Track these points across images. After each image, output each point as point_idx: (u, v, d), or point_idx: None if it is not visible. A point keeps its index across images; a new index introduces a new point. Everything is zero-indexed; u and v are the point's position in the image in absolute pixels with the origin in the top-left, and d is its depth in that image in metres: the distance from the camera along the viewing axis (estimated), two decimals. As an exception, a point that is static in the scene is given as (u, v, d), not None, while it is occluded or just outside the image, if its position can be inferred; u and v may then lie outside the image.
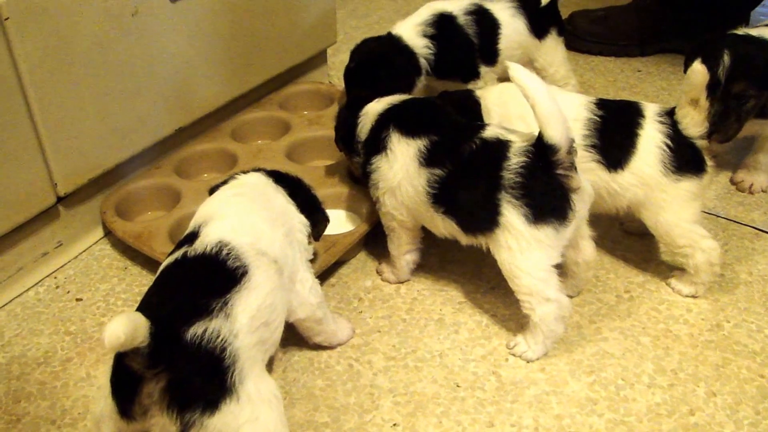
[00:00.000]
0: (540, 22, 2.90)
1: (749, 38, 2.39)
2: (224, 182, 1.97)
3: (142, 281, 2.34)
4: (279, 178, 2.01)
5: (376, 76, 2.66)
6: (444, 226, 2.10)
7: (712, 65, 2.29)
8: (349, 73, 2.73)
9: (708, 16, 3.38)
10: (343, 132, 2.34)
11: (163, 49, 2.47)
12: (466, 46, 2.79)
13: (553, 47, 2.96)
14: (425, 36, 2.74)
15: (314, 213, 2.03)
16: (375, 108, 2.24)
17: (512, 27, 2.85)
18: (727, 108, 2.33)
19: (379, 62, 2.70)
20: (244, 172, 2.00)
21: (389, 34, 2.76)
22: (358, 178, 2.43)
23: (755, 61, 2.34)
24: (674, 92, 3.27)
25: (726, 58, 2.31)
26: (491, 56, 2.84)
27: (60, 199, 2.33)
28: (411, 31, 2.75)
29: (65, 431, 1.91)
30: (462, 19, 2.78)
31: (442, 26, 2.76)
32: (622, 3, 3.64)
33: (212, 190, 1.98)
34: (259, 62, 2.88)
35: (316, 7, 3.06)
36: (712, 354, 2.06)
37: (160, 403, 1.48)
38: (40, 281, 2.36)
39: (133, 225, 2.40)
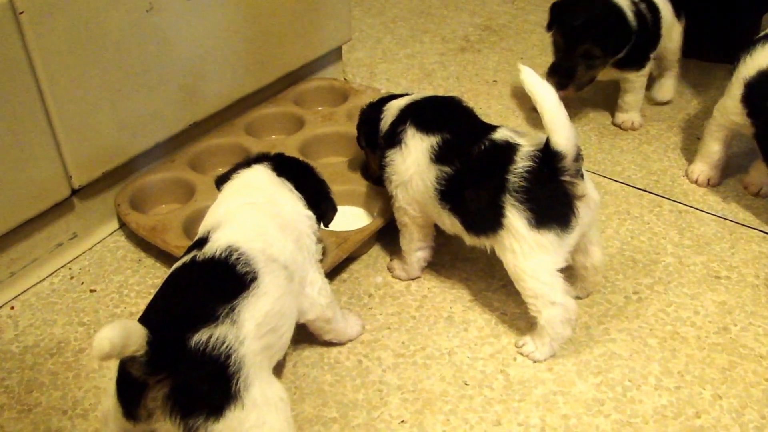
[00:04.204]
0: (677, 3, 3.02)
1: None
2: (228, 176, 1.97)
3: (156, 273, 2.37)
4: (282, 169, 1.99)
5: (608, 32, 2.75)
6: (451, 224, 2.11)
7: None
8: (579, 29, 2.75)
9: (720, 21, 3.38)
10: (366, 128, 2.35)
11: (178, 45, 2.49)
12: (646, 32, 2.87)
13: (679, 31, 3.09)
14: (629, 9, 2.80)
15: (321, 202, 2.02)
16: (397, 104, 2.25)
17: (667, 9, 2.95)
18: None
19: (604, 18, 2.75)
20: (248, 164, 1.99)
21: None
22: (372, 177, 2.45)
23: None
24: (685, 95, 3.27)
25: None
26: (655, 42, 2.93)
27: (75, 192, 2.35)
28: (624, 2, 2.79)
29: (76, 422, 1.93)
30: (642, 6, 2.85)
31: (635, 5, 2.83)
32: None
33: (219, 182, 1.98)
34: (273, 58, 2.89)
35: (332, 4, 3.07)
36: (718, 357, 2.07)
37: (164, 408, 1.48)
38: (54, 272, 2.39)
39: (147, 218, 2.42)
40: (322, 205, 2.02)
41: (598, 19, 2.74)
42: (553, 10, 2.88)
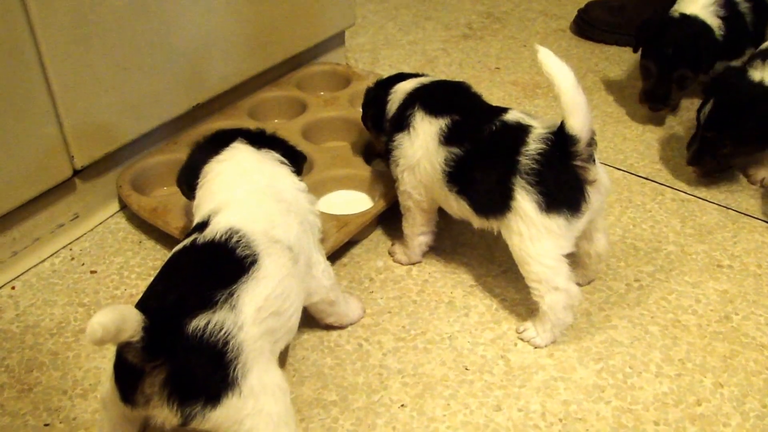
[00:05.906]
0: None
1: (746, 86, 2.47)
2: (209, 149, 1.94)
3: (156, 255, 2.36)
4: (256, 141, 1.96)
5: (699, 54, 2.78)
6: (458, 207, 2.10)
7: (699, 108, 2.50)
8: (671, 56, 2.79)
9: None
10: (373, 111, 2.34)
11: (182, 26, 2.48)
12: (744, 30, 2.87)
13: None
14: (718, 17, 2.82)
15: (295, 157, 2.01)
16: (405, 87, 2.24)
17: None
18: (703, 149, 2.51)
19: (695, 42, 2.78)
20: (223, 141, 1.95)
21: (684, 15, 2.83)
22: (378, 154, 2.45)
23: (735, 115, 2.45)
24: (690, 84, 3.27)
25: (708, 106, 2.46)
26: (757, 40, 2.90)
27: (77, 172, 2.34)
28: (705, 11, 2.82)
29: (76, 402, 1.93)
30: (743, 6, 2.87)
31: (729, 9, 2.84)
32: (639, -7, 3.64)
33: (196, 153, 1.97)
34: (277, 41, 2.89)
35: (336, -11, 3.07)
36: (720, 345, 2.07)
37: (161, 394, 1.47)
38: (55, 252, 2.38)
39: (148, 199, 2.42)
40: (294, 157, 2.00)
41: (689, 43, 2.77)
42: (640, 35, 2.92)
